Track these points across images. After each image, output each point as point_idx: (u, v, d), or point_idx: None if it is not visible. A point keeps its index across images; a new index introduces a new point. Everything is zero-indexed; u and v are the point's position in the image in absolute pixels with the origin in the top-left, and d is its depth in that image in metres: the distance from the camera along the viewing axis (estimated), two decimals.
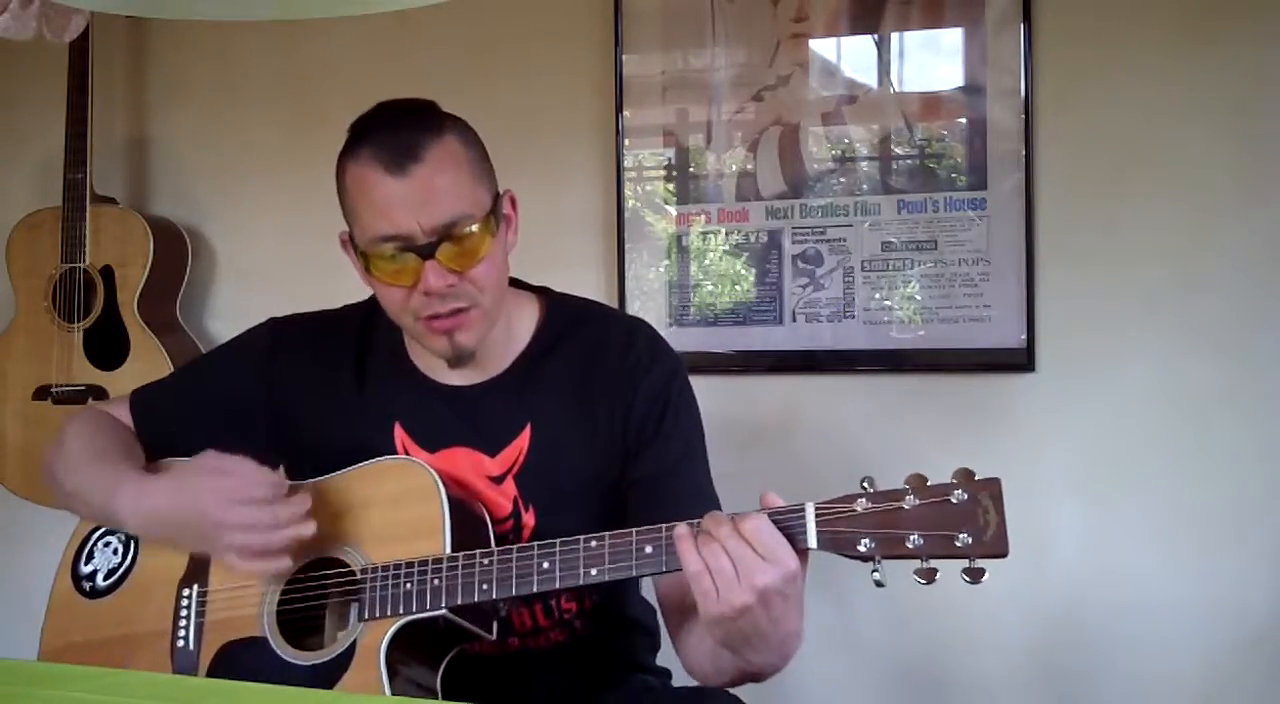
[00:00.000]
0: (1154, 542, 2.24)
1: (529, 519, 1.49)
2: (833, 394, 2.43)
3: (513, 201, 1.51)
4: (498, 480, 1.50)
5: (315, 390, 1.56)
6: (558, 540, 1.33)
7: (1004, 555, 1.19)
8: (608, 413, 1.51)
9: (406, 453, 1.51)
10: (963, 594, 2.37)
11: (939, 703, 2.39)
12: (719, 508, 1.50)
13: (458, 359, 1.47)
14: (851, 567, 1.26)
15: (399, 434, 1.52)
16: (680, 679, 1.66)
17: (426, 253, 1.38)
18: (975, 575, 1.19)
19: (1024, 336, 2.29)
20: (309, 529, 1.39)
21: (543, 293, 1.61)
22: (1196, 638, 2.22)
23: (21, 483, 2.71)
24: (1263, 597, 2.19)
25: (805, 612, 1.29)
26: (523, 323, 1.56)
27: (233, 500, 1.38)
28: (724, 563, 1.19)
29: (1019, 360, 2.30)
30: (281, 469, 1.42)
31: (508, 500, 1.50)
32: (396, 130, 1.41)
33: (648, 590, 1.69)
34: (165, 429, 1.62)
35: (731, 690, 1.48)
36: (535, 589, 1.33)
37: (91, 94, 2.67)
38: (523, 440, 1.50)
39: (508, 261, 1.50)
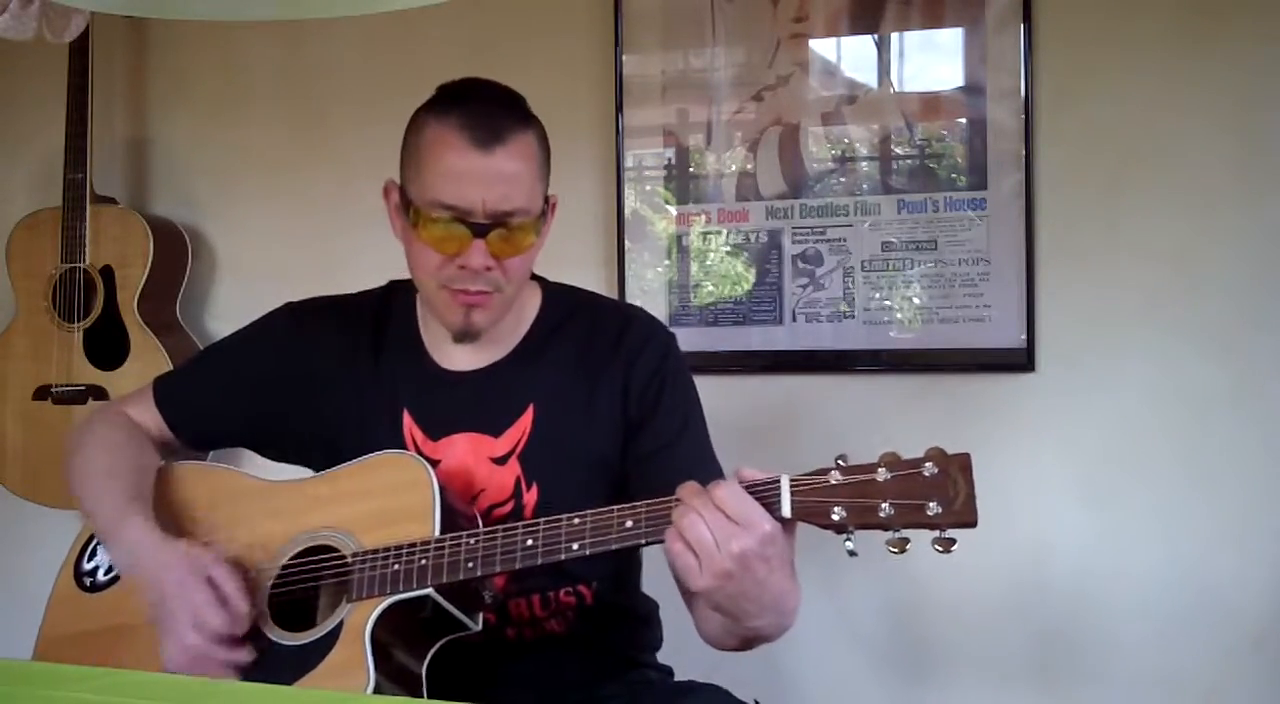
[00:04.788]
0: (1155, 542, 2.24)
1: (530, 498, 1.53)
2: (833, 394, 2.43)
3: (553, 207, 1.56)
4: (501, 461, 1.54)
5: (335, 369, 1.60)
6: (541, 519, 1.36)
7: (973, 524, 1.21)
8: (607, 391, 1.56)
9: (414, 439, 1.56)
10: (962, 594, 2.37)
11: (939, 702, 2.39)
12: (721, 473, 1.52)
13: (464, 335, 1.52)
14: (846, 562, 1.26)
15: (407, 421, 1.57)
16: (683, 675, 1.66)
17: (480, 232, 1.44)
18: (945, 545, 1.21)
19: (1024, 337, 2.29)
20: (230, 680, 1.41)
21: (541, 281, 1.66)
22: (1198, 638, 2.21)
23: (21, 483, 2.72)
24: (1264, 597, 2.19)
25: (801, 608, 1.33)
26: (526, 308, 1.62)
27: (191, 617, 1.40)
28: (703, 533, 1.23)
29: (1019, 360, 2.30)
30: (248, 607, 1.43)
31: (510, 480, 1.54)
32: (489, 107, 1.48)
33: (650, 587, 1.70)
34: (193, 417, 1.67)
35: (725, 686, 1.51)
36: (518, 565, 1.36)
37: (91, 94, 2.67)
38: (525, 420, 1.55)
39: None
